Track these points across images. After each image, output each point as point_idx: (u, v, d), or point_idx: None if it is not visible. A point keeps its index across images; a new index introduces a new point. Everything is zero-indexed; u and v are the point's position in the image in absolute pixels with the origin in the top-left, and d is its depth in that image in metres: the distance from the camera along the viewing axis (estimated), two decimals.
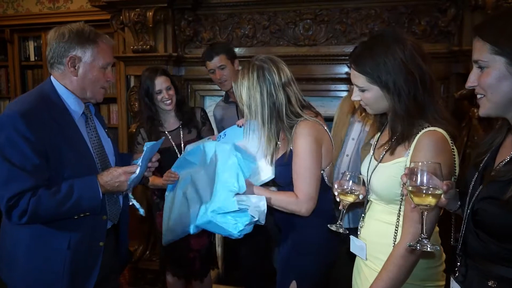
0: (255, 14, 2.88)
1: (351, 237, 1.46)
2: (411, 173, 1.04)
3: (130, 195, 1.64)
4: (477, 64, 1.02)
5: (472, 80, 1.04)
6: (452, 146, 1.22)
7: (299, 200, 1.55)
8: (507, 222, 0.96)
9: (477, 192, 1.05)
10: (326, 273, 1.72)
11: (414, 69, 1.22)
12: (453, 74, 2.59)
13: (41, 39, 3.73)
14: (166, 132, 2.28)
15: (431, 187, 1.01)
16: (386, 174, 1.30)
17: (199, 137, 2.35)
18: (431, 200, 1.02)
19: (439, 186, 1.01)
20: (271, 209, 1.77)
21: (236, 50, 2.92)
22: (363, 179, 1.38)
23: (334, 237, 1.62)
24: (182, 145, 2.26)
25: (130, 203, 1.66)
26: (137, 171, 1.48)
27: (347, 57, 2.71)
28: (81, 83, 1.50)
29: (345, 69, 2.73)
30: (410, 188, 1.03)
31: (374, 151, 1.42)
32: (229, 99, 2.45)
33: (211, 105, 3.06)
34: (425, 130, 1.22)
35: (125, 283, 3.05)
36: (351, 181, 1.35)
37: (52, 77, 1.52)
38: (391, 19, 2.68)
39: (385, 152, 1.32)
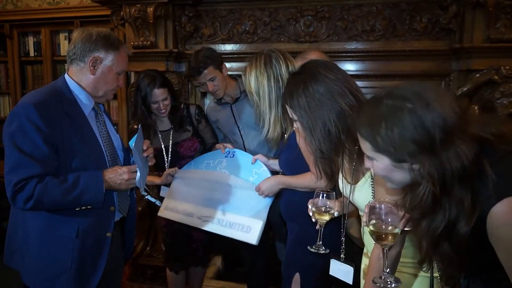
0: (255, 10, 2.87)
1: (332, 260, 1.45)
2: (369, 212, 1.07)
3: (144, 192, 1.70)
4: (366, 155, 1.03)
5: (367, 164, 1.05)
6: None
7: (315, 176, 1.59)
8: (474, 260, 0.97)
9: None
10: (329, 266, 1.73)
11: (328, 106, 1.27)
12: (454, 71, 2.59)
13: (41, 35, 3.71)
14: (158, 132, 2.32)
15: (390, 226, 1.05)
16: (363, 192, 1.32)
17: (196, 134, 2.37)
18: (390, 239, 1.06)
19: (396, 224, 1.05)
20: (276, 203, 1.80)
21: (237, 46, 2.93)
22: (336, 195, 1.41)
23: (338, 230, 1.64)
24: (170, 147, 2.31)
25: (145, 198, 1.76)
26: (138, 171, 1.56)
27: (348, 54, 2.74)
28: (96, 82, 1.59)
29: (346, 66, 2.73)
30: (371, 227, 1.07)
31: (344, 173, 1.43)
32: (222, 100, 2.43)
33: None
34: None
35: (125, 279, 3.06)
36: (325, 199, 1.36)
37: (65, 75, 1.60)
38: (392, 16, 2.67)
39: (353, 172, 1.35)
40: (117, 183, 1.53)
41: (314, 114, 1.28)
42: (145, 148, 1.71)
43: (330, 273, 1.44)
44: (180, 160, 2.32)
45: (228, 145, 2.23)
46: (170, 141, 2.31)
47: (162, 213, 2.21)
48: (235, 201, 2.00)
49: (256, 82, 1.72)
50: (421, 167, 0.91)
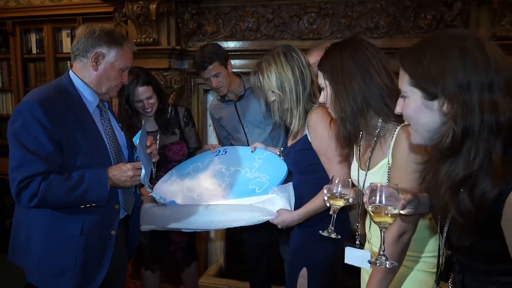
0: (258, 7, 2.85)
1: (347, 248, 1.45)
2: (370, 193, 1.08)
3: (148, 189, 1.69)
4: (401, 93, 1.03)
5: (398, 109, 1.06)
6: None
7: None
8: (477, 246, 0.96)
9: (447, 224, 1.04)
10: (336, 260, 1.74)
11: (361, 75, 1.28)
12: None
13: (43, 32, 3.71)
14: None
15: (389, 207, 1.06)
16: (377, 180, 1.31)
17: (182, 137, 2.33)
18: (388, 219, 1.07)
19: (395, 205, 1.07)
20: None
21: (240, 43, 2.92)
22: (352, 183, 1.40)
23: (344, 225, 1.68)
24: (156, 147, 2.20)
25: (149, 195, 1.74)
26: (142, 168, 1.55)
27: None
28: (98, 78, 1.58)
29: None
30: (370, 208, 1.08)
31: (359, 160, 1.44)
32: (226, 97, 2.42)
33: None
34: (402, 124, 1.26)
35: (127, 276, 3.06)
36: (340, 185, 1.35)
37: (70, 71, 1.60)
38: (396, 13, 2.65)
39: (369, 159, 1.36)
40: (121, 180, 1.52)
41: (346, 79, 1.29)
42: (148, 144, 1.70)
43: (346, 261, 1.43)
44: (167, 164, 2.25)
45: (217, 146, 2.20)
46: (157, 143, 2.24)
47: (144, 227, 1.92)
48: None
49: (279, 78, 1.70)
50: (449, 106, 0.91)
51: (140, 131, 1.61)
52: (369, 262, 1.16)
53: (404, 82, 1.00)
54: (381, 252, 1.11)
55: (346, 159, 1.61)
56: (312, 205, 1.70)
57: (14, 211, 1.63)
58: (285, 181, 1.90)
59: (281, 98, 1.72)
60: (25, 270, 1.59)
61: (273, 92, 1.73)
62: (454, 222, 0.98)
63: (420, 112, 0.98)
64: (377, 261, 1.12)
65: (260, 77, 1.75)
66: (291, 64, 1.70)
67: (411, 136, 1.05)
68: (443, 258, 1.10)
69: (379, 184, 1.08)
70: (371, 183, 1.10)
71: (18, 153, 1.42)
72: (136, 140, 1.56)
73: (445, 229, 1.03)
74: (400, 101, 1.04)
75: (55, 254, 1.52)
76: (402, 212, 1.09)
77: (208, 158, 2.13)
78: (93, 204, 1.51)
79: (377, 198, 1.06)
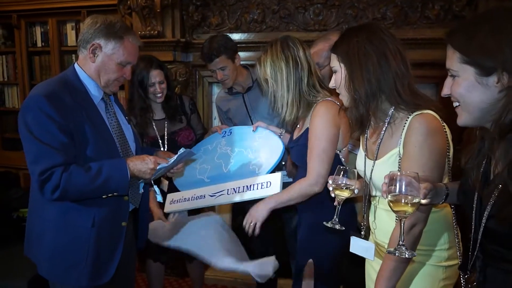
0: None
1: (353, 237, 1.44)
2: (389, 181, 1.06)
3: (152, 182, 1.70)
4: (449, 73, 1.00)
5: (446, 90, 1.02)
6: (443, 125, 1.24)
7: (310, 179, 1.64)
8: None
9: (488, 209, 1.01)
10: (342, 253, 1.74)
11: (376, 58, 1.26)
12: None
13: (48, 25, 3.70)
14: (153, 121, 2.32)
15: (409, 196, 1.04)
16: (385, 169, 1.29)
17: (189, 125, 2.40)
18: (409, 208, 1.05)
19: (416, 194, 1.04)
20: None
21: (245, 35, 2.89)
22: (357, 173, 1.39)
23: (350, 217, 1.68)
24: (166, 136, 2.31)
25: (151, 189, 1.74)
26: (167, 165, 1.58)
27: None
28: (97, 70, 1.57)
29: None
30: (389, 197, 1.06)
31: (366, 150, 1.42)
32: (233, 89, 2.42)
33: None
34: (414, 114, 1.24)
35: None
36: (345, 176, 1.34)
37: (75, 64, 1.60)
38: (404, 4, 2.62)
39: (378, 148, 1.34)
40: (142, 171, 1.53)
41: (361, 60, 1.27)
42: (179, 166, 1.74)
43: (351, 250, 1.43)
44: (176, 149, 2.27)
45: (224, 126, 2.23)
46: (166, 131, 2.32)
47: (168, 208, 2.14)
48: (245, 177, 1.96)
49: (273, 67, 1.71)
50: (509, 78, 0.88)
51: (190, 150, 1.69)
52: (389, 252, 1.14)
53: (454, 60, 0.97)
54: (401, 242, 1.10)
55: (329, 159, 1.64)
56: (286, 195, 1.72)
57: (29, 205, 1.63)
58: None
59: (273, 88, 1.73)
60: (37, 264, 1.59)
61: (267, 80, 1.75)
62: (502, 200, 0.95)
63: (473, 90, 0.95)
64: (397, 251, 1.10)
65: (258, 66, 1.77)
66: (286, 53, 1.70)
67: (458, 117, 1.02)
68: (471, 246, 1.07)
69: (398, 173, 1.06)
70: (390, 172, 1.08)
71: (34, 146, 1.42)
72: (183, 150, 1.62)
73: (486, 211, 1.00)
74: (448, 81, 1.01)
75: (67, 246, 1.52)
76: (422, 201, 1.07)
77: (216, 140, 2.19)
78: (114, 194, 1.51)
79: (397, 187, 1.04)
